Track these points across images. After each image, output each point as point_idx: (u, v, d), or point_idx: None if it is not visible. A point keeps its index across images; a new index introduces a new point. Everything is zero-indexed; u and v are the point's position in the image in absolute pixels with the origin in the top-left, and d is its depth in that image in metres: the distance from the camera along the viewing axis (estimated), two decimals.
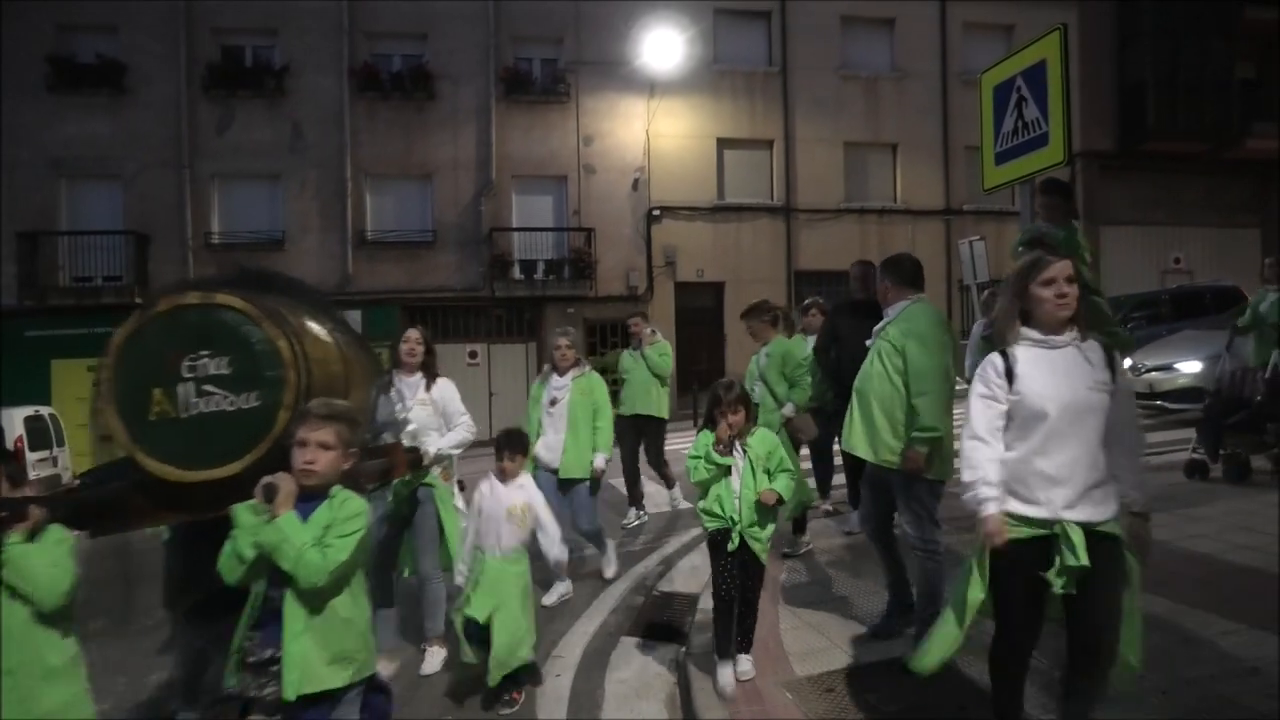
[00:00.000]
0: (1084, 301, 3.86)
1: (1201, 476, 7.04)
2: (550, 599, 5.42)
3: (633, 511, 7.62)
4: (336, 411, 2.64)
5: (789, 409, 5.65)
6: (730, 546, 3.72)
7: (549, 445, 5.57)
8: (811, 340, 6.40)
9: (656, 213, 18.89)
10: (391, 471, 3.74)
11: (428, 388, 4.67)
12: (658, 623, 5.02)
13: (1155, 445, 8.79)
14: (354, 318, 16.97)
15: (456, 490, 4.73)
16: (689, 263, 19.02)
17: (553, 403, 5.59)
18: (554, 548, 4.11)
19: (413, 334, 4.73)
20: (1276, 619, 3.80)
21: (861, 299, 5.47)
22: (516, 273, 18.18)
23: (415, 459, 4.16)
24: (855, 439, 4.03)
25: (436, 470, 4.55)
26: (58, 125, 16.75)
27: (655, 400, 7.49)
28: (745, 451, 3.76)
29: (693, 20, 18.48)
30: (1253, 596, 4.22)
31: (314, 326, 3.26)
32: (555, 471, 5.52)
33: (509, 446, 4.13)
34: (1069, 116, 5.31)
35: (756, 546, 3.75)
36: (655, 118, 18.79)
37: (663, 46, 17.48)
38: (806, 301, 7.09)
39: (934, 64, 20.34)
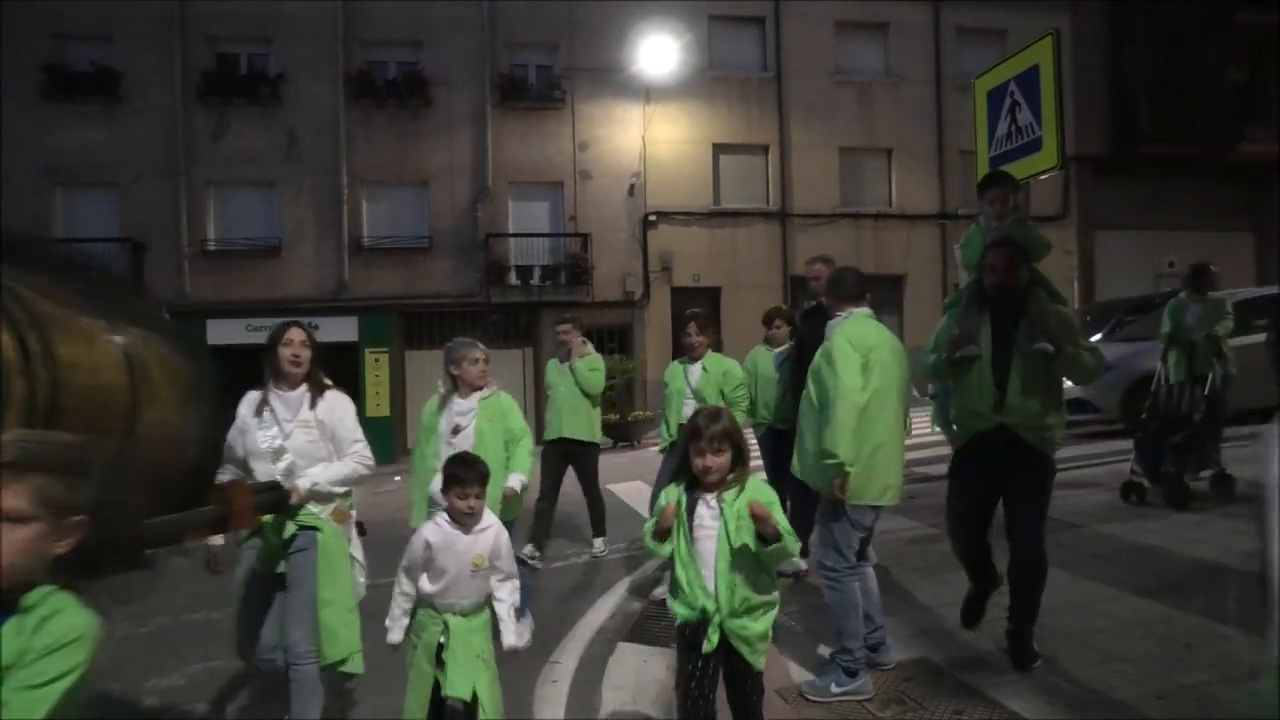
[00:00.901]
0: (1053, 313, 3.60)
1: (1139, 499, 6.76)
2: (523, 639, 4.36)
3: (599, 542, 6.91)
4: (35, 455, 1.50)
5: None
6: (706, 646, 2.67)
7: None
8: (777, 353, 6.09)
9: (652, 218, 18.92)
10: (227, 522, 2.75)
11: (312, 404, 3.57)
12: (655, 629, 5.01)
13: (1081, 458, 8.78)
14: (350, 324, 17.02)
15: (355, 536, 3.77)
16: (685, 268, 19.04)
17: (455, 431, 4.48)
18: (514, 596, 3.23)
19: (296, 334, 3.62)
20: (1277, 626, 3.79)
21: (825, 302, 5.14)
22: (513, 278, 18.18)
23: (273, 501, 3.24)
24: (797, 461, 3.93)
25: (324, 511, 3.51)
26: (53, 133, 16.74)
27: (585, 422, 6.58)
28: (721, 509, 2.71)
29: (687, 26, 18.54)
30: (1251, 602, 4.23)
31: (80, 318, 2.28)
32: None
33: (465, 481, 3.09)
34: (1062, 121, 5.34)
35: (744, 650, 2.70)
36: (651, 123, 18.82)
37: (658, 53, 17.54)
38: (768, 310, 6.53)
39: (928, 69, 20.39)
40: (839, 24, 20.03)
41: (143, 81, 17.13)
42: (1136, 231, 20.01)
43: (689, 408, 5.28)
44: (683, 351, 6.01)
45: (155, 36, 17.19)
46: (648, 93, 18.58)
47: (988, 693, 3.48)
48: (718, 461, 2.69)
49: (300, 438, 3.48)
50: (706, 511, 2.72)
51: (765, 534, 2.59)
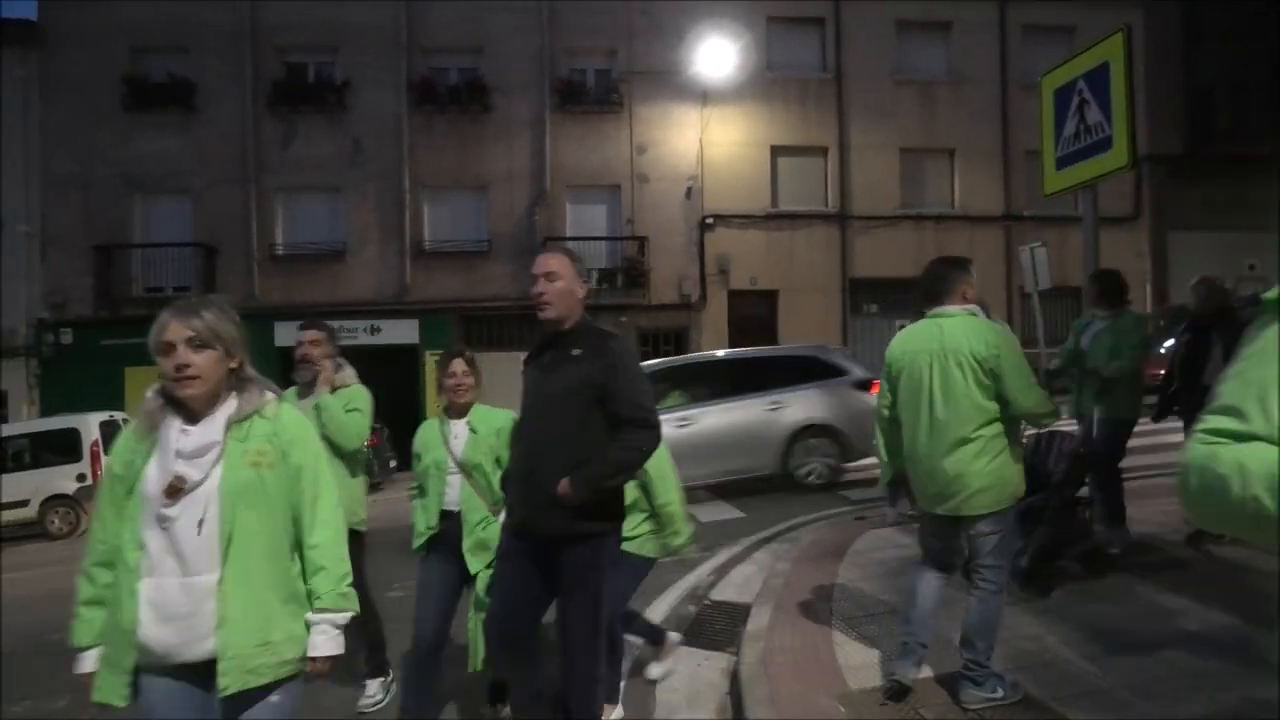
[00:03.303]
0: None
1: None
2: None
3: (374, 684, 4.25)
4: None
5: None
6: None
7: (170, 604, 2.04)
8: None
9: (710, 221, 18.88)
10: None
11: None
12: (710, 632, 5.00)
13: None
14: (411, 326, 17.36)
15: None
16: (742, 271, 18.96)
17: (174, 490, 2.08)
18: None
19: None
20: None
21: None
22: None
23: None
24: None
25: None
26: (132, 143, 17.43)
27: (342, 493, 3.86)
28: None
29: (745, 28, 18.47)
30: None
31: None
32: (189, 670, 2.08)
33: None
34: (1133, 120, 5.19)
35: None
36: (708, 126, 18.80)
37: (715, 55, 17.51)
38: None
39: (992, 68, 19.98)
40: (900, 23, 19.76)
41: (216, 91, 17.74)
42: (1213, 233, 19.28)
43: (453, 487, 3.74)
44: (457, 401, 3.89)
45: (227, 48, 17.79)
46: (705, 95, 18.58)
47: (1055, 707, 3.39)
48: None
49: None
50: None
51: None
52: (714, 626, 5.10)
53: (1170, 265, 19.62)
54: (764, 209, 19.17)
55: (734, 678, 4.17)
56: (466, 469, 3.73)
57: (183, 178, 17.69)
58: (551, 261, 3.06)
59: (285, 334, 17.16)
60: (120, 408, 14.95)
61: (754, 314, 18.95)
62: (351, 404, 4.14)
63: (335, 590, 2.23)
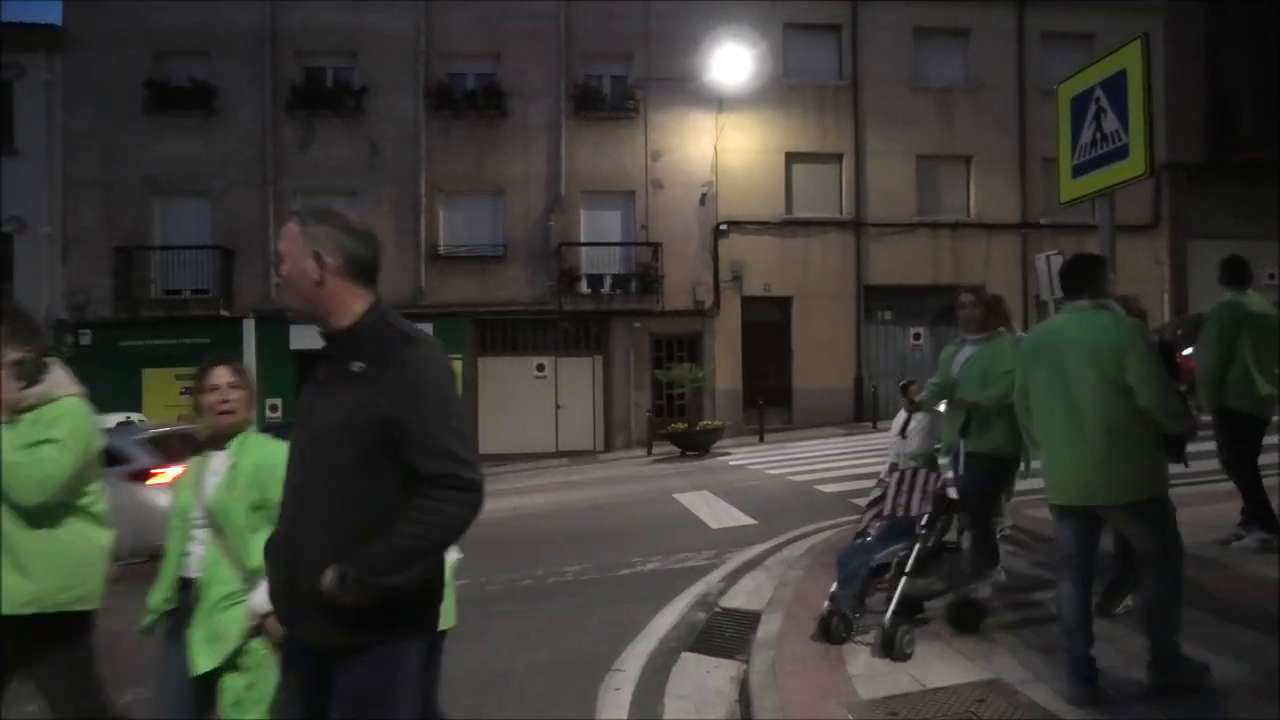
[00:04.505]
0: None
1: (840, 639, 4.31)
2: None
3: None
4: None
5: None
6: None
7: None
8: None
9: (724, 227, 18.88)
10: None
11: None
12: (719, 639, 4.98)
13: None
14: (425, 330, 17.41)
15: None
16: (756, 277, 18.94)
17: None
18: None
19: None
20: None
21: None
22: (584, 287, 18.38)
23: None
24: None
25: None
26: (152, 146, 17.63)
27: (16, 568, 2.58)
28: None
29: (762, 34, 18.48)
30: None
31: None
32: None
33: None
34: (1151, 128, 5.14)
35: None
36: (724, 133, 18.81)
37: (731, 61, 17.53)
38: None
39: (1010, 75, 19.90)
40: (918, 30, 19.71)
41: (236, 95, 17.91)
42: (1234, 242, 18.96)
43: (197, 548, 2.69)
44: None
45: (248, 52, 17.97)
46: (721, 102, 18.59)
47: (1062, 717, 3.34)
48: None
49: None
50: None
51: None
52: (724, 634, 5.08)
53: (1189, 274, 19.44)
54: (779, 215, 19.15)
55: (744, 685, 4.15)
56: (214, 520, 2.63)
57: (202, 180, 17.87)
58: (281, 240, 2.03)
59: (301, 337, 17.30)
60: (138, 409, 15.09)
61: (768, 321, 18.92)
62: (45, 433, 2.58)
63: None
